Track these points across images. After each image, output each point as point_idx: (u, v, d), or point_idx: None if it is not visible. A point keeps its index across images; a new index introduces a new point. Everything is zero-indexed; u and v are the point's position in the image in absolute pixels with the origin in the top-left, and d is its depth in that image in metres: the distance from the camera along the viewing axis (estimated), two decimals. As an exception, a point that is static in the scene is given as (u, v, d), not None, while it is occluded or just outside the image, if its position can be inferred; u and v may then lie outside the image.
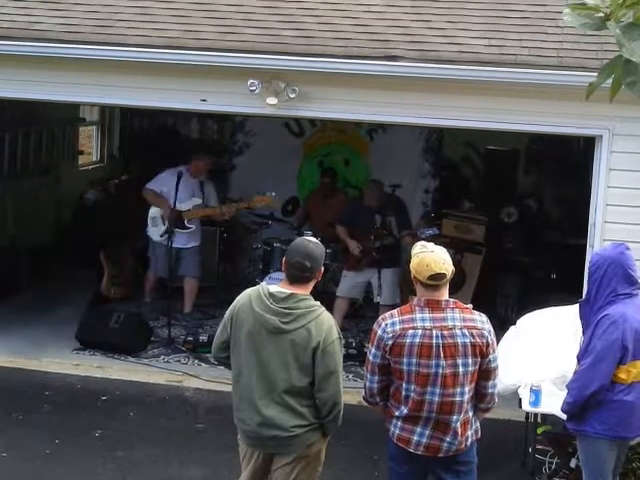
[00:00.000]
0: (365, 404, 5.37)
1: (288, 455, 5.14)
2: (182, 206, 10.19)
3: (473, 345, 4.93)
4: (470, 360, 4.94)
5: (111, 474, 6.83)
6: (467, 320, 4.98)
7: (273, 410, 5.03)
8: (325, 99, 7.93)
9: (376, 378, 5.09)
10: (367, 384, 5.15)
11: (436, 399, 4.95)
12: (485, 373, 5.04)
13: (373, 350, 5.05)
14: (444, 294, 5.02)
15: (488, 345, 4.98)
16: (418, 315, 4.97)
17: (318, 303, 5.10)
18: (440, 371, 4.92)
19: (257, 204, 10.48)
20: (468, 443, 5.10)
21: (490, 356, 5.00)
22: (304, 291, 5.08)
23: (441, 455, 5.05)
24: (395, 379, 5.05)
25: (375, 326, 5.08)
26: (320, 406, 5.04)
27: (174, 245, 10.04)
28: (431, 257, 4.98)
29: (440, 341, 4.91)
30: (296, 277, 5.07)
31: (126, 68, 8.03)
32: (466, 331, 4.94)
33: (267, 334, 5.01)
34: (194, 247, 10.54)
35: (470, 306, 5.11)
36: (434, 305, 4.98)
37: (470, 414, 5.08)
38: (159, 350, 9.58)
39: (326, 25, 7.93)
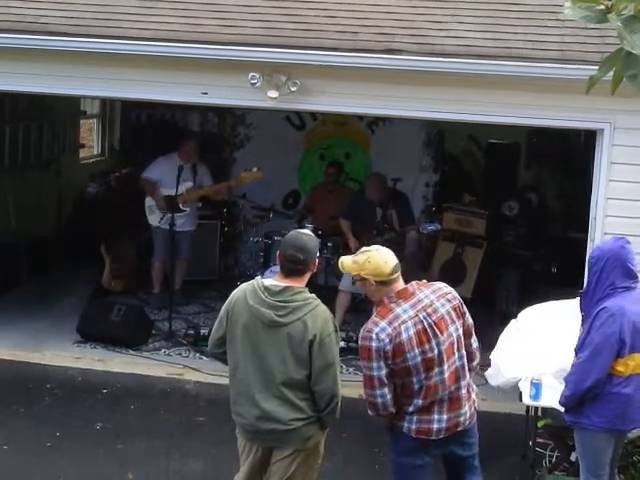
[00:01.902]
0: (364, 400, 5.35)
1: (287, 448, 5.15)
2: (174, 192, 10.26)
3: (454, 308, 5.11)
4: (457, 324, 5.11)
5: (112, 467, 6.84)
6: (435, 291, 5.14)
7: (271, 404, 5.03)
8: (326, 92, 7.92)
9: (386, 389, 5.02)
10: (378, 401, 5.03)
11: (445, 376, 5.02)
12: (467, 331, 5.20)
13: (374, 364, 4.99)
14: (402, 281, 5.11)
15: (462, 303, 5.19)
16: (398, 310, 5.01)
17: (314, 296, 5.10)
18: (442, 348, 5.00)
19: (246, 180, 10.52)
20: (476, 406, 5.26)
21: (466, 313, 5.19)
22: (299, 284, 5.08)
23: (460, 429, 5.13)
24: (400, 378, 5.03)
25: (364, 341, 5.02)
26: (318, 399, 5.05)
27: (169, 224, 10.11)
28: (381, 255, 5.10)
29: (430, 320, 5.00)
30: (290, 270, 5.07)
31: (127, 61, 8.02)
32: (442, 299, 5.09)
33: (263, 328, 5.01)
34: (188, 231, 10.68)
35: (424, 281, 5.24)
36: (404, 294, 5.06)
37: (468, 376, 5.20)
38: (160, 343, 9.60)
39: (327, 18, 7.92)
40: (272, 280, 5.11)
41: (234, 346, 5.12)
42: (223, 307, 5.23)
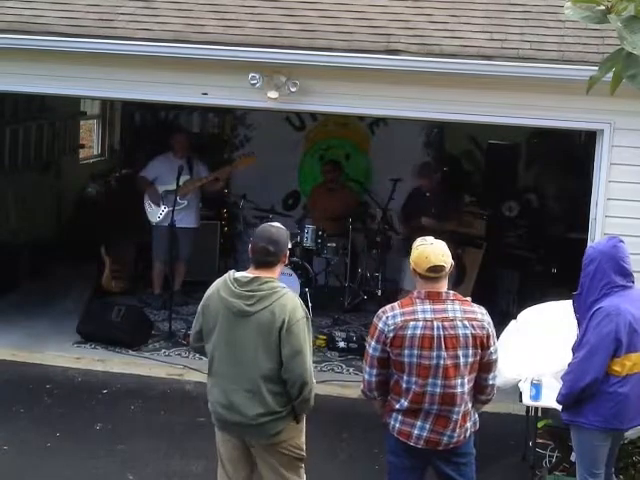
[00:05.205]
0: (364, 398, 5.39)
1: (256, 443, 5.23)
2: (171, 187, 10.27)
3: (474, 336, 4.97)
4: (470, 351, 4.98)
5: (112, 467, 6.84)
6: (467, 312, 5.02)
7: (239, 396, 5.10)
8: (326, 93, 7.93)
9: (375, 371, 5.11)
10: (366, 377, 5.18)
11: (438, 390, 4.98)
12: (486, 365, 5.08)
13: (373, 343, 5.07)
14: (444, 286, 5.06)
15: (488, 337, 5.03)
16: (419, 307, 5.00)
17: (282, 285, 5.15)
18: (442, 362, 4.94)
19: (241, 166, 10.58)
20: (467, 435, 5.14)
21: (491, 348, 5.06)
22: (270, 275, 5.14)
23: (441, 448, 5.08)
24: (395, 372, 5.06)
25: (375, 319, 5.09)
26: (289, 388, 5.07)
27: (169, 224, 10.11)
28: (430, 249, 5.04)
29: (441, 332, 4.94)
30: (261, 262, 5.15)
31: (128, 61, 8.02)
32: (467, 322, 4.98)
33: (234, 318, 5.08)
34: (189, 229, 10.64)
35: (469, 299, 5.15)
36: (434, 297, 5.01)
37: (469, 406, 5.11)
38: (160, 344, 9.60)
39: (328, 19, 7.93)
40: (243, 272, 5.20)
41: (210, 339, 5.21)
42: (200, 302, 5.32)
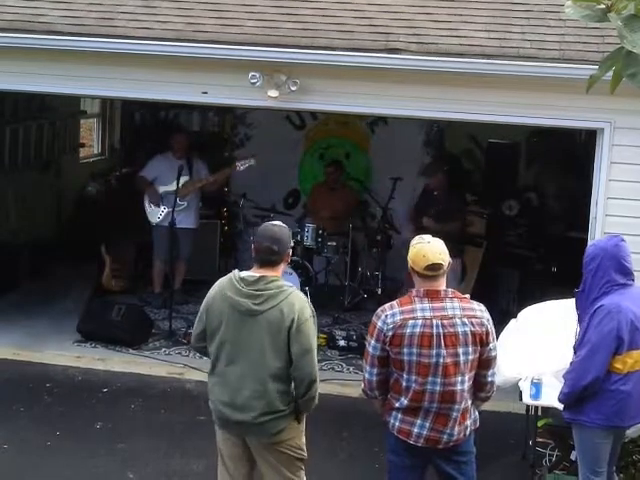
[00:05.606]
0: (364, 397, 5.39)
1: (257, 441, 5.23)
2: (170, 188, 10.27)
3: (473, 334, 4.97)
4: (470, 348, 4.98)
5: (112, 466, 6.84)
6: (466, 309, 5.02)
7: (244, 395, 5.10)
8: (326, 92, 7.93)
9: (375, 371, 5.10)
10: (366, 377, 5.17)
11: (437, 389, 4.97)
12: (486, 362, 5.08)
13: (373, 342, 5.06)
14: (442, 284, 5.05)
15: (488, 334, 5.03)
16: (418, 305, 4.99)
17: (289, 283, 5.18)
18: (441, 361, 4.94)
19: (241, 166, 10.60)
20: (467, 432, 5.14)
21: (490, 345, 5.06)
22: (274, 273, 5.16)
23: (441, 447, 5.08)
24: (395, 370, 5.06)
25: (375, 318, 5.09)
26: (298, 385, 5.09)
27: (169, 223, 10.11)
28: (428, 248, 5.03)
29: (440, 330, 4.94)
30: (265, 261, 5.17)
31: (128, 60, 8.02)
32: (466, 320, 4.98)
33: (241, 318, 5.08)
34: (189, 229, 10.65)
35: (467, 296, 5.15)
36: (433, 295, 5.01)
37: (469, 403, 5.11)
38: (160, 342, 9.60)
39: (328, 18, 7.93)
40: (248, 271, 5.21)
41: (214, 338, 5.20)
42: (203, 302, 5.31)
